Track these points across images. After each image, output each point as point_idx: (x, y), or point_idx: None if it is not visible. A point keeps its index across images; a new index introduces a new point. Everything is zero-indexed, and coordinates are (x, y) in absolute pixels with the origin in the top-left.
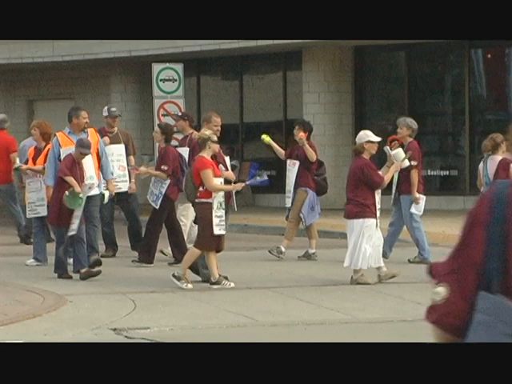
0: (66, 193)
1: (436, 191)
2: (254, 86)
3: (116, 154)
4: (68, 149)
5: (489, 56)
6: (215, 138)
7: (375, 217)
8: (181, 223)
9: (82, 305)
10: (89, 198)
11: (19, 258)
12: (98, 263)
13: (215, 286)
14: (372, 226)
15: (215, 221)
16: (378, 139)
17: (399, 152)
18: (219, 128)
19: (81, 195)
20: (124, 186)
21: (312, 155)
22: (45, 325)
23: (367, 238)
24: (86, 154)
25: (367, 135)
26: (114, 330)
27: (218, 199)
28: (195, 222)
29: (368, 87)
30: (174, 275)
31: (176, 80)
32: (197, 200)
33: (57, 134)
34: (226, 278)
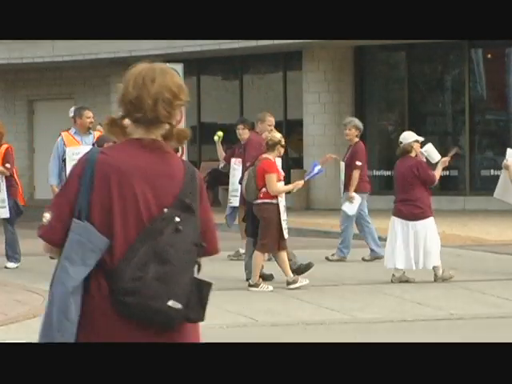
0: None
1: (436, 191)
2: (254, 85)
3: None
4: (73, 148)
5: (489, 56)
6: (283, 142)
7: (433, 215)
8: None
9: None
10: None
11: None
12: None
13: (253, 289)
14: (433, 225)
15: (283, 224)
16: (422, 139)
17: (430, 147)
18: (273, 127)
19: None
20: None
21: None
22: None
23: (435, 237)
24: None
25: (413, 135)
26: None
27: (282, 202)
28: (244, 220)
29: (368, 87)
30: (250, 285)
31: None
32: (259, 200)
33: (62, 133)
34: (268, 277)
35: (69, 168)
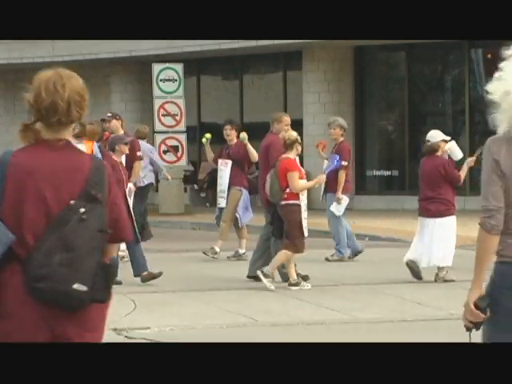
0: None
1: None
2: (254, 85)
3: None
4: None
5: (489, 56)
6: (300, 140)
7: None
8: None
9: None
10: None
11: None
12: None
13: (294, 288)
14: (455, 224)
15: (304, 223)
16: (449, 138)
17: (453, 145)
18: (289, 128)
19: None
20: None
21: (254, 155)
22: None
23: (454, 235)
24: (128, 142)
25: (441, 134)
26: (114, 329)
27: (304, 201)
28: (272, 223)
29: (368, 87)
30: (262, 272)
31: (176, 80)
32: (283, 202)
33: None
34: (304, 277)
35: None
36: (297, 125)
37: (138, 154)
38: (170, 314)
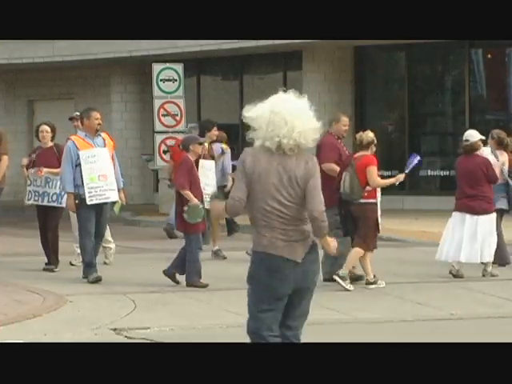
0: (185, 208)
1: (436, 191)
2: (254, 86)
3: None
4: (87, 151)
5: (489, 56)
6: (375, 141)
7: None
8: None
9: (82, 305)
10: (102, 206)
11: (19, 258)
12: (100, 279)
13: (372, 286)
14: (495, 220)
15: (379, 220)
16: (484, 138)
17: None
18: (347, 128)
19: (201, 207)
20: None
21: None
22: (45, 325)
23: (495, 232)
24: (202, 142)
25: (478, 133)
26: (114, 330)
27: (379, 199)
28: (344, 222)
29: (368, 87)
30: (338, 275)
31: (176, 80)
32: (363, 200)
33: (71, 137)
34: (360, 277)
35: (84, 172)
36: None
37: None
38: (170, 314)
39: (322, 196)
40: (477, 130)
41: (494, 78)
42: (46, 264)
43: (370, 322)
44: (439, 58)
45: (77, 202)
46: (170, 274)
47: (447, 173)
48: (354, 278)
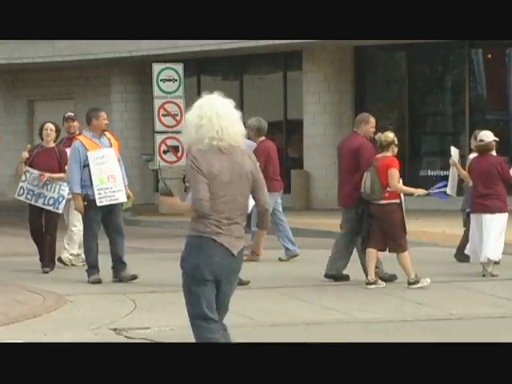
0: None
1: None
2: (254, 85)
3: None
4: (95, 152)
5: (489, 56)
6: (396, 141)
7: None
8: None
9: (82, 305)
10: (114, 206)
11: (19, 258)
12: (135, 277)
13: (371, 286)
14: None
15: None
16: (497, 139)
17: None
18: (374, 129)
19: None
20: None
21: None
22: (45, 325)
23: (503, 232)
24: None
25: (492, 134)
26: (114, 330)
27: (403, 198)
28: (361, 221)
29: (368, 87)
30: (409, 282)
31: (176, 80)
32: (385, 201)
33: (78, 137)
34: (392, 277)
35: (94, 173)
36: (297, 125)
37: None
38: (170, 314)
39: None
40: (477, 130)
41: (494, 78)
42: (43, 267)
43: (369, 322)
44: (439, 58)
45: (85, 203)
46: None
47: (447, 173)
48: (386, 279)
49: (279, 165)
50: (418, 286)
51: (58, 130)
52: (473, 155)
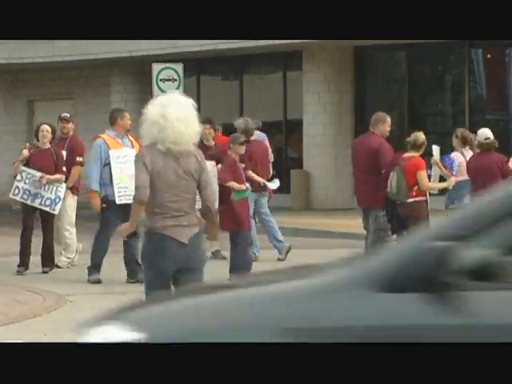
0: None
1: (436, 191)
2: (254, 85)
3: None
4: (118, 151)
5: (489, 56)
6: (426, 143)
7: None
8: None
9: (82, 305)
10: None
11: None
12: (100, 282)
13: None
14: None
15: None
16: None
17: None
18: (389, 128)
19: (246, 188)
20: None
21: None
22: (45, 325)
23: None
24: (244, 141)
25: (490, 133)
26: None
27: (428, 196)
28: (391, 220)
29: (368, 87)
30: None
31: (176, 80)
32: (411, 199)
33: (102, 136)
34: None
35: (115, 172)
36: (297, 125)
37: (78, 158)
38: None
39: (213, 187)
40: (477, 129)
41: (494, 77)
42: (18, 266)
43: None
44: (439, 58)
45: (104, 205)
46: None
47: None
48: None
49: (273, 165)
50: None
51: (53, 131)
52: (455, 153)
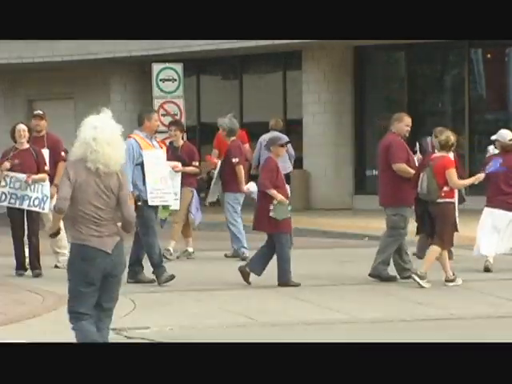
0: (271, 206)
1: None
2: (254, 85)
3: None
4: (150, 152)
5: (489, 56)
6: (455, 144)
7: None
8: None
9: None
10: (156, 209)
11: None
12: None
13: (451, 284)
14: None
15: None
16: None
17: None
18: (409, 128)
19: (287, 203)
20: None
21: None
22: (45, 325)
23: None
24: (286, 143)
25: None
26: (114, 329)
27: (456, 198)
28: (422, 220)
29: (368, 87)
30: (416, 274)
31: (176, 80)
32: (441, 200)
33: (133, 136)
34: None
35: (148, 172)
36: (297, 125)
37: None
38: (170, 314)
39: (129, 202)
40: (476, 130)
41: (494, 77)
42: (17, 269)
43: (370, 322)
44: (439, 58)
45: (139, 203)
46: (248, 271)
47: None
48: (385, 278)
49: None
50: (453, 284)
51: (29, 130)
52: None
